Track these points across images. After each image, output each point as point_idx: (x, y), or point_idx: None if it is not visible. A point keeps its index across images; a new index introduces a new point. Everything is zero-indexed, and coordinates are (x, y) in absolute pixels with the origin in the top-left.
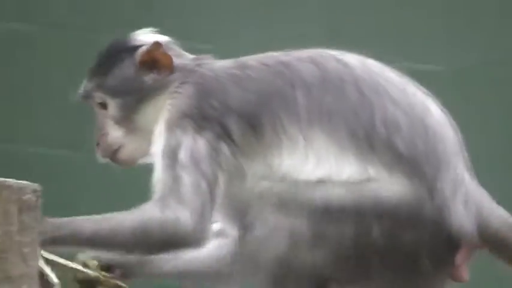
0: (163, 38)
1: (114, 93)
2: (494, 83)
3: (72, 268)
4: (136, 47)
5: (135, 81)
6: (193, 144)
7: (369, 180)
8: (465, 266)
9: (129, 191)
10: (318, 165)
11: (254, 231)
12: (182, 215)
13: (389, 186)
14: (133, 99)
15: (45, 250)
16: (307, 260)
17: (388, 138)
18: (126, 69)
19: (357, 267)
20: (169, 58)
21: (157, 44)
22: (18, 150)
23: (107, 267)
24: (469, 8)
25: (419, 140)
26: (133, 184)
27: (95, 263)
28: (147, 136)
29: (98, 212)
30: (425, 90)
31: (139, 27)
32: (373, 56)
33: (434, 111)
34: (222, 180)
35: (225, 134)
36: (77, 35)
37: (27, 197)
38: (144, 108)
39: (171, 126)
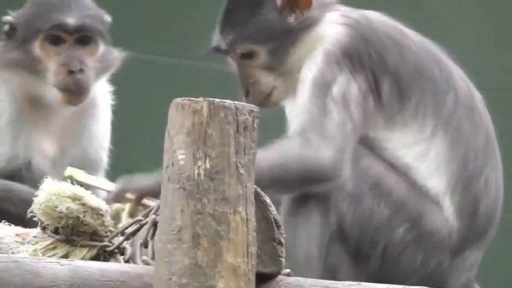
0: None
1: (262, 40)
2: None
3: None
4: None
5: (281, 24)
6: (347, 85)
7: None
8: None
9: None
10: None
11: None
12: (324, 152)
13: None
14: (283, 43)
15: None
16: None
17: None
18: (268, 14)
19: None
20: None
21: None
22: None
23: None
24: None
25: None
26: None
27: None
28: (296, 75)
29: None
30: None
31: None
32: None
33: None
34: (362, 129)
35: (375, 89)
36: None
37: (244, 117)
38: (294, 49)
39: (330, 60)
